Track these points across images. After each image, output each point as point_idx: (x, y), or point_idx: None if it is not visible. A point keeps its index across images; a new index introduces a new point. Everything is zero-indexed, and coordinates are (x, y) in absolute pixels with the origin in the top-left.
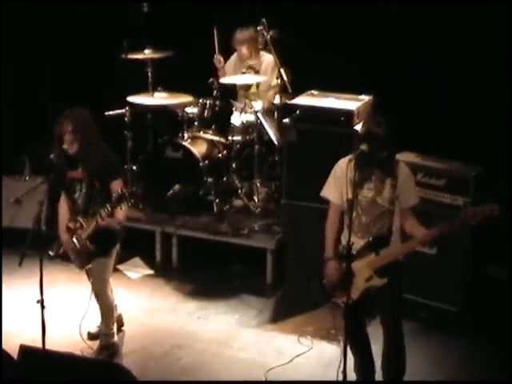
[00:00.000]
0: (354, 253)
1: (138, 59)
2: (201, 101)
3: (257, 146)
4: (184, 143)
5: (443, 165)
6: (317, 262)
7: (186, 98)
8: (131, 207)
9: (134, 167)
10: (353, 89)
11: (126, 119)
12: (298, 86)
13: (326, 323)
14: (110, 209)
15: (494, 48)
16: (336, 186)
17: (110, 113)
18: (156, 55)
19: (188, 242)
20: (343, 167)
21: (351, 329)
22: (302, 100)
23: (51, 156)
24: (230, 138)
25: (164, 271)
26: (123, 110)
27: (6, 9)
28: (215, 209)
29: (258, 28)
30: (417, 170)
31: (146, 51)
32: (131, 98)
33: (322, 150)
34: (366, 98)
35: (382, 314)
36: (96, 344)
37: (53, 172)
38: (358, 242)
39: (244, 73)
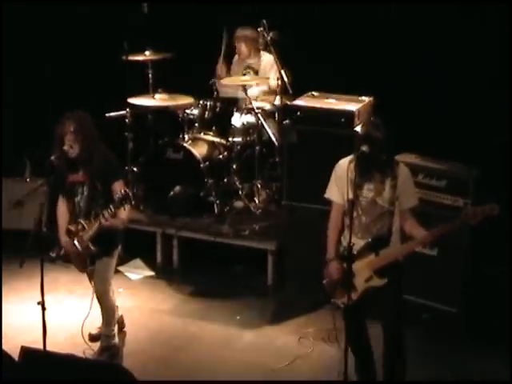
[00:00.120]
0: (354, 253)
1: (138, 61)
2: (201, 102)
3: (257, 148)
4: (185, 144)
5: (443, 166)
6: (317, 263)
7: (186, 100)
8: (132, 208)
9: (135, 169)
10: (353, 90)
11: (126, 121)
12: (299, 87)
13: (326, 324)
14: (113, 209)
15: (493, 48)
16: (337, 186)
17: (111, 114)
18: (156, 57)
19: (189, 244)
20: (344, 167)
21: (351, 330)
22: (303, 101)
23: (52, 158)
24: (230, 139)
25: (165, 273)
26: (124, 112)
27: (6, 9)
28: (216, 210)
29: (259, 29)
30: (417, 171)
31: (147, 53)
32: (132, 100)
33: (322, 152)
34: (366, 99)
35: (381, 314)
36: (97, 345)
37: (53, 174)
38: (358, 243)
39: (244, 74)
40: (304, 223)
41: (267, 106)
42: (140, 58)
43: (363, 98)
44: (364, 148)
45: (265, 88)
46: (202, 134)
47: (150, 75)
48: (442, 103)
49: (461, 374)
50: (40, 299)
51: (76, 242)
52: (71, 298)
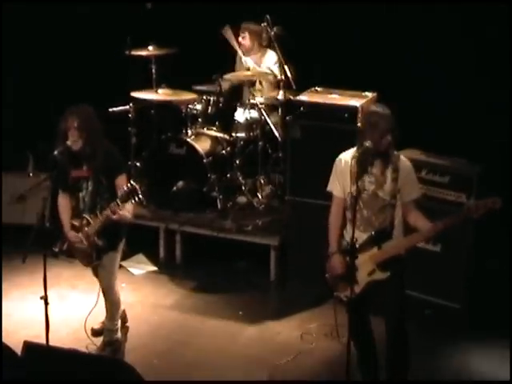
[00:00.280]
0: (357, 247)
1: (141, 56)
2: (204, 97)
3: (260, 143)
4: (188, 140)
5: (447, 162)
6: (320, 258)
7: (189, 95)
8: (135, 203)
9: (138, 164)
10: (357, 86)
11: (129, 116)
12: (302, 82)
13: (329, 319)
14: (120, 203)
15: (494, 45)
16: (338, 180)
17: (114, 109)
18: (160, 52)
19: (192, 239)
20: (345, 162)
21: (354, 323)
22: (306, 96)
23: (55, 152)
24: (233, 134)
25: (167, 268)
26: (127, 107)
27: (7, 9)
28: (219, 205)
29: (263, 24)
30: (421, 167)
31: (150, 48)
32: (135, 94)
33: (325, 147)
34: (369, 94)
35: (384, 308)
36: (99, 340)
37: (56, 169)
38: (361, 236)
39: (248, 69)
40: (307, 218)
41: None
42: (143, 53)
43: (367, 93)
44: (367, 143)
45: (268, 84)
46: (205, 129)
47: (154, 70)
48: (446, 99)
49: (465, 370)
50: (43, 294)
51: (81, 236)
52: (74, 293)
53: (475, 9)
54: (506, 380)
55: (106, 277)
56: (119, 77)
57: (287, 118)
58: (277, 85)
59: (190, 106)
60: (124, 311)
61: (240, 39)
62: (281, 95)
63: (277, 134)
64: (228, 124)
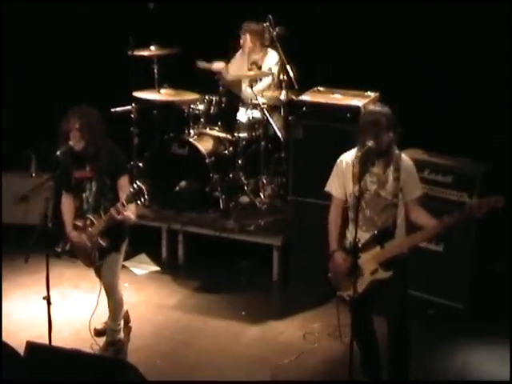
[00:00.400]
0: (359, 246)
1: (143, 56)
2: (207, 97)
3: (263, 143)
4: (190, 140)
5: (450, 162)
6: (323, 258)
7: (191, 95)
8: (140, 204)
9: (141, 164)
10: (359, 86)
11: (132, 116)
12: (305, 82)
13: (332, 319)
14: (125, 204)
15: (495, 44)
16: (338, 180)
17: (116, 109)
18: (162, 52)
19: (194, 239)
20: (346, 163)
21: (357, 323)
22: (309, 96)
23: (57, 153)
24: (236, 134)
25: (170, 268)
26: (129, 107)
27: (8, 8)
28: (221, 205)
29: (265, 24)
30: (423, 167)
31: (152, 48)
32: (137, 94)
33: (328, 147)
34: (372, 94)
35: (386, 307)
36: (102, 340)
37: (58, 169)
38: (363, 236)
39: (250, 69)
40: (309, 218)
41: (272, 101)
42: (145, 53)
43: (369, 93)
44: (370, 143)
45: (269, 81)
46: (207, 129)
47: (156, 70)
48: (448, 99)
49: (467, 370)
50: (46, 294)
51: (84, 237)
52: (77, 293)
53: (475, 9)
54: (506, 380)
55: (108, 277)
56: (121, 77)
57: (289, 118)
58: (279, 85)
59: (192, 106)
60: (127, 311)
61: (241, 41)
62: (283, 95)
63: (279, 134)
64: (230, 124)
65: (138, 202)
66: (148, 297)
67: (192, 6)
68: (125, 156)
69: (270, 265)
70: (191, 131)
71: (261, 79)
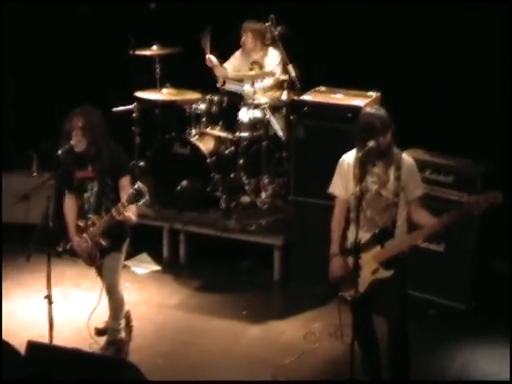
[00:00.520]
0: (360, 246)
1: (145, 55)
2: (208, 97)
3: (264, 143)
4: (191, 139)
5: (451, 162)
6: (324, 258)
7: (193, 95)
8: (142, 205)
9: (142, 163)
10: (360, 85)
11: (133, 115)
12: (306, 82)
13: (333, 319)
14: (126, 204)
15: (495, 44)
16: (341, 181)
17: (118, 109)
18: (163, 51)
19: (195, 239)
20: (348, 163)
21: (358, 322)
22: (310, 96)
23: (59, 152)
24: (237, 134)
25: (171, 267)
26: (131, 106)
27: (12, 8)
28: (222, 205)
29: (267, 24)
30: (425, 167)
31: (154, 47)
32: (139, 94)
33: (329, 147)
34: (373, 94)
35: (386, 307)
36: (103, 340)
37: (60, 168)
38: (364, 236)
39: (251, 69)
40: (311, 218)
41: (273, 101)
42: (147, 52)
43: (371, 93)
44: (371, 144)
45: (270, 82)
46: (208, 128)
47: (157, 70)
48: (450, 99)
49: (468, 370)
50: (47, 293)
51: (86, 236)
52: (78, 292)
53: (475, 9)
54: (506, 380)
55: (109, 276)
56: (123, 76)
57: (291, 117)
58: (280, 85)
59: (193, 105)
60: (128, 311)
61: (243, 39)
62: (284, 95)
63: (280, 133)
64: (232, 124)
65: (139, 203)
66: (149, 296)
67: (193, 5)
68: (127, 156)
69: (271, 265)
70: (193, 131)
71: (262, 79)
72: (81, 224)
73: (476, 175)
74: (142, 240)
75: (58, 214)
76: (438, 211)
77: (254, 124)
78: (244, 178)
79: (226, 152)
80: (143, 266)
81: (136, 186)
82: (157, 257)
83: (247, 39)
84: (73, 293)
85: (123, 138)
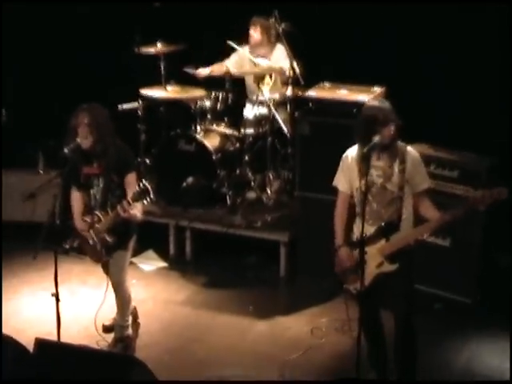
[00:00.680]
0: (365, 239)
1: (150, 53)
2: (213, 94)
3: (269, 139)
4: (197, 136)
5: (456, 156)
6: (330, 253)
7: (198, 92)
8: (147, 203)
9: (148, 160)
10: (365, 81)
11: (139, 112)
12: (311, 78)
13: (339, 314)
14: (132, 202)
15: (496, 40)
16: (345, 175)
17: (124, 106)
18: (168, 49)
19: (201, 235)
20: (353, 157)
21: (365, 315)
22: (315, 92)
23: (65, 150)
24: (242, 130)
25: (178, 264)
26: (136, 104)
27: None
28: (228, 201)
29: (271, 20)
30: (429, 162)
31: (159, 45)
32: (144, 91)
33: (334, 142)
34: (378, 89)
35: (392, 299)
36: (110, 336)
37: (66, 166)
38: (369, 230)
39: (256, 65)
40: (316, 214)
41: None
42: (152, 50)
43: (375, 88)
44: (376, 139)
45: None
46: (214, 125)
47: (162, 67)
48: (455, 94)
49: (474, 365)
50: (54, 291)
51: (92, 233)
52: (85, 289)
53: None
54: (506, 380)
55: (116, 273)
56: (128, 74)
57: (296, 113)
58: (285, 80)
59: (198, 102)
60: (135, 308)
61: (251, 32)
62: (289, 91)
63: (285, 130)
64: (237, 120)
65: (144, 201)
66: (156, 293)
67: (198, 3)
68: (133, 153)
69: (277, 260)
70: (198, 128)
71: (271, 75)
72: (87, 220)
73: (481, 169)
74: (148, 237)
75: (64, 212)
76: (443, 205)
77: (259, 120)
78: (249, 174)
79: (232, 148)
80: (150, 263)
81: (141, 185)
82: (163, 253)
83: (256, 32)
84: (80, 290)
85: (129, 135)
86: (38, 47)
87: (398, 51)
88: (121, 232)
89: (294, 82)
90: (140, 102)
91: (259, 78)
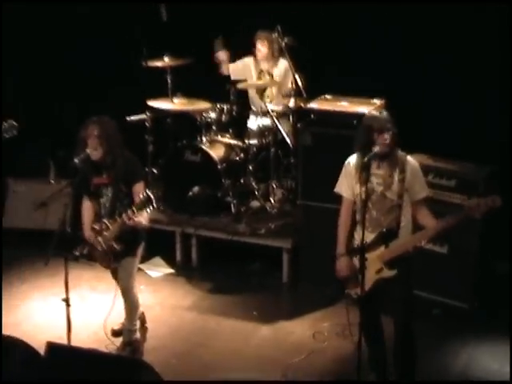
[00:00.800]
0: (365, 246)
1: (157, 66)
2: (218, 106)
3: (273, 149)
4: (202, 147)
5: (453, 166)
6: (331, 260)
7: (204, 104)
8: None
9: (155, 170)
10: (365, 93)
11: (146, 124)
12: (312, 91)
13: (341, 319)
14: (135, 211)
15: (496, 50)
16: (347, 182)
17: (132, 118)
18: (175, 62)
19: (207, 242)
20: (355, 164)
21: (365, 319)
22: (316, 104)
23: (75, 160)
24: (246, 141)
25: (184, 270)
26: (144, 116)
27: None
28: (233, 210)
29: (274, 35)
30: (428, 171)
31: (166, 59)
32: (152, 103)
33: (335, 153)
34: (377, 101)
35: (392, 304)
36: (119, 341)
37: (77, 175)
38: (369, 237)
39: (259, 78)
40: (318, 222)
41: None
42: (159, 63)
43: (375, 100)
44: (376, 149)
45: (280, 108)
46: (219, 136)
47: (169, 80)
48: (453, 104)
49: (472, 369)
50: (65, 296)
51: (100, 240)
52: (94, 294)
53: (476, 9)
54: (506, 380)
55: (124, 280)
56: (136, 87)
57: (298, 125)
58: (288, 93)
59: (204, 114)
60: (143, 313)
61: (259, 47)
62: (292, 103)
63: (288, 140)
64: (241, 131)
65: (148, 210)
66: (163, 298)
67: (203, 18)
68: (140, 164)
69: (280, 267)
70: (203, 138)
71: (271, 88)
72: (96, 227)
73: (478, 179)
74: (155, 244)
75: (75, 220)
76: (440, 214)
77: (262, 131)
78: (253, 184)
79: (236, 158)
80: (157, 269)
81: (145, 195)
82: (170, 260)
83: (263, 46)
84: (90, 296)
85: (137, 145)
86: (46, 58)
87: (398, 64)
88: (129, 239)
89: (297, 94)
90: (148, 113)
91: (261, 91)
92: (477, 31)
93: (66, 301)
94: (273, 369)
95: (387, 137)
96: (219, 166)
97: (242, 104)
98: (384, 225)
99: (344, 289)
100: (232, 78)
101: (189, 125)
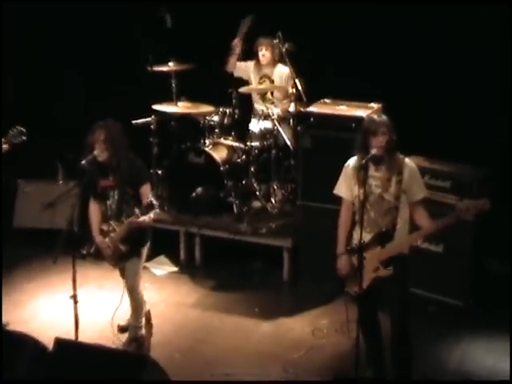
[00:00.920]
0: (363, 246)
1: (162, 71)
2: (221, 110)
3: (274, 151)
4: (206, 149)
5: (449, 168)
6: (330, 259)
7: (207, 107)
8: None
9: (160, 172)
10: (363, 97)
11: (151, 127)
12: (312, 95)
13: (339, 316)
14: (140, 215)
15: (495, 49)
16: (346, 183)
17: (137, 121)
18: (179, 67)
19: (210, 241)
20: (354, 166)
21: (363, 316)
22: (316, 108)
23: (83, 162)
24: (248, 143)
25: (188, 268)
26: (149, 119)
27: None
28: (235, 210)
29: (274, 41)
30: (424, 173)
31: (170, 64)
32: (156, 106)
33: (334, 155)
34: (375, 105)
35: (388, 303)
36: (125, 336)
37: (84, 177)
38: (367, 237)
39: (260, 83)
40: (317, 222)
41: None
42: (164, 68)
43: (372, 104)
44: (374, 152)
45: (279, 111)
46: (221, 139)
47: (174, 85)
48: (448, 106)
49: (466, 366)
50: (72, 293)
51: (108, 241)
52: (101, 292)
53: (475, 12)
54: (505, 379)
55: (130, 278)
56: (142, 91)
57: (298, 128)
58: (288, 97)
59: (207, 117)
60: (148, 310)
61: (264, 52)
62: (292, 107)
63: (289, 143)
64: (243, 134)
65: (151, 215)
66: (168, 296)
67: (207, 25)
68: (145, 166)
69: (280, 265)
70: (207, 141)
71: (272, 92)
72: (103, 228)
73: (472, 180)
74: (160, 243)
75: (82, 220)
76: (436, 214)
77: (264, 134)
78: (255, 185)
79: (238, 160)
80: (161, 268)
81: (148, 201)
82: (174, 259)
83: (267, 52)
84: (96, 293)
85: (142, 148)
86: (51, 61)
87: (395, 68)
88: (135, 240)
89: (297, 98)
90: (153, 117)
91: (263, 95)
92: (475, 33)
93: (74, 298)
94: (273, 365)
95: (382, 140)
96: (222, 168)
97: (244, 107)
98: (381, 225)
99: (343, 286)
100: (235, 74)
101: (192, 128)
